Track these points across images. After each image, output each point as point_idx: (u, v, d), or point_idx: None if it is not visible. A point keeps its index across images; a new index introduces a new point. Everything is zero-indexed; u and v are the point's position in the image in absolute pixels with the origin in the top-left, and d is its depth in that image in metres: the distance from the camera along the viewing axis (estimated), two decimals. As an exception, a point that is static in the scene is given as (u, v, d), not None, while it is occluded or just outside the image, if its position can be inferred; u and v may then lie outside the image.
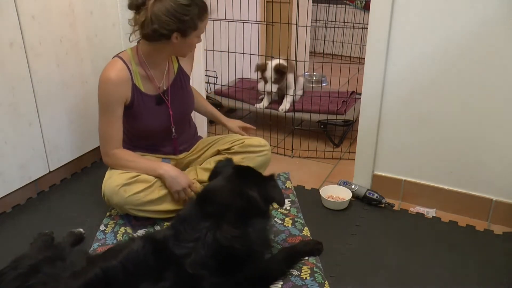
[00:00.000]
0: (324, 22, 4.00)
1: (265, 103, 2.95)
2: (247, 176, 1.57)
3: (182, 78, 2.04)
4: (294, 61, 2.89)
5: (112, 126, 1.88)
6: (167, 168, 1.90)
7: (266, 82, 2.87)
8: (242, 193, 1.46)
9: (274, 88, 2.87)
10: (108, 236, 1.86)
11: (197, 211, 1.44)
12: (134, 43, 1.93)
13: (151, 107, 1.94)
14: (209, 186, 1.56)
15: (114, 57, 1.90)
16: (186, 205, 1.57)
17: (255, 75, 3.43)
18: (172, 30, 1.74)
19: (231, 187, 1.50)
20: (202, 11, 1.78)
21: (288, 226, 1.92)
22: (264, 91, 2.94)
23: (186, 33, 1.77)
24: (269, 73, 2.81)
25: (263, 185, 1.54)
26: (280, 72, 2.82)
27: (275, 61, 2.81)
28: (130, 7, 1.77)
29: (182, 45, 1.82)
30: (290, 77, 2.90)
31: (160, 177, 1.90)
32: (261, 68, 2.88)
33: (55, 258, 1.35)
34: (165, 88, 1.98)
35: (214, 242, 1.35)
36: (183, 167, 2.18)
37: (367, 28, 1.99)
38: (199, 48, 2.57)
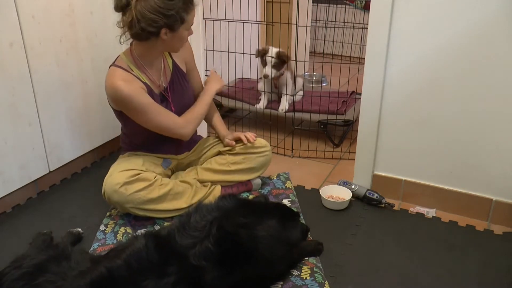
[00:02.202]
0: (324, 22, 4.00)
1: (264, 102, 2.94)
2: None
3: (178, 74, 2.04)
4: (293, 61, 2.89)
5: (160, 109, 1.88)
6: (210, 88, 2.11)
7: (265, 65, 2.84)
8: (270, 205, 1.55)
9: (273, 73, 2.83)
10: (108, 236, 1.86)
11: (214, 204, 1.49)
12: (125, 47, 1.92)
13: (157, 103, 1.94)
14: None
15: (110, 66, 1.87)
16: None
17: (255, 75, 3.43)
18: (160, 26, 1.73)
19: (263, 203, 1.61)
20: (187, 3, 1.76)
21: (288, 226, 1.92)
22: (263, 91, 2.95)
23: (174, 27, 1.76)
24: (269, 55, 2.79)
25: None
26: (281, 59, 2.81)
27: (276, 49, 2.81)
28: (116, 9, 1.77)
29: (173, 40, 1.81)
30: (288, 74, 2.90)
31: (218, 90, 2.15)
32: (262, 53, 2.86)
33: (60, 257, 1.35)
34: (164, 86, 1.98)
35: (219, 229, 1.36)
36: (184, 167, 2.18)
37: (367, 28, 1.99)
38: (199, 48, 2.57)
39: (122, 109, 1.87)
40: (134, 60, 1.88)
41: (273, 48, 2.81)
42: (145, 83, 1.88)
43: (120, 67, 1.84)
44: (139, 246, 1.33)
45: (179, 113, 2.00)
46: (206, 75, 2.87)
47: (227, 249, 1.36)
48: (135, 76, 1.85)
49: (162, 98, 1.96)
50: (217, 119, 2.24)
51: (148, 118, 1.86)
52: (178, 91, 2.02)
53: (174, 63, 2.03)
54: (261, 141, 2.16)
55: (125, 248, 1.35)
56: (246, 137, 2.12)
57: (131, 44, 1.89)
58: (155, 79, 1.93)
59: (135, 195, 1.84)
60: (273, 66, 2.80)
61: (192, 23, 1.84)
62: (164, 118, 1.89)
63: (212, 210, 1.47)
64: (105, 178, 1.90)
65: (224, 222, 1.39)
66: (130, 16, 1.72)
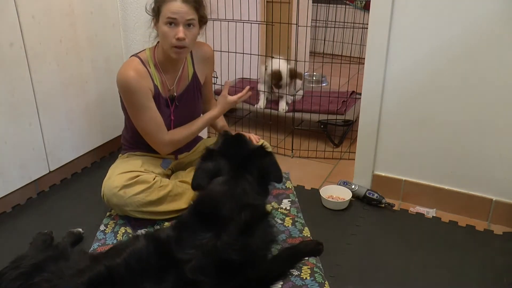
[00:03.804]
0: (324, 22, 4.00)
1: (264, 102, 2.95)
2: (241, 159, 1.57)
3: (195, 85, 2.03)
4: (293, 61, 2.90)
5: (155, 117, 1.87)
6: (217, 112, 2.02)
7: (280, 87, 2.89)
8: (242, 203, 1.44)
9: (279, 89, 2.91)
10: (108, 236, 1.86)
11: (197, 220, 1.42)
12: (132, 45, 1.93)
13: (161, 107, 1.94)
14: (207, 193, 1.50)
15: (131, 56, 1.90)
16: (187, 209, 1.56)
17: (255, 75, 3.43)
18: (153, 12, 1.80)
19: (230, 193, 1.47)
20: None
21: (288, 226, 1.92)
22: (262, 91, 2.95)
23: (156, 17, 1.79)
24: (284, 80, 2.86)
25: (259, 163, 1.57)
26: (293, 75, 2.90)
27: (282, 65, 2.84)
28: None
29: (159, 34, 1.82)
30: (298, 81, 2.94)
31: (220, 115, 2.06)
32: (278, 78, 2.88)
33: (58, 257, 1.35)
34: (174, 94, 1.97)
35: (213, 253, 1.35)
36: (184, 166, 2.17)
37: (367, 28, 1.99)
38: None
39: (123, 98, 1.88)
40: (154, 58, 1.89)
41: (280, 63, 2.85)
42: (155, 85, 1.88)
43: (140, 59, 1.86)
44: (140, 247, 1.33)
45: (178, 123, 2.00)
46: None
47: (225, 266, 1.36)
48: (149, 73, 1.86)
49: (167, 104, 1.96)
50: (220, 120, 2.23)
51: (140, 118, 1.87)
52: (188, 102, 2.02)
53: (195, 74, 2.03)
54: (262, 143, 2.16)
55: (125, 247, 1.35)
56: (250, 138, 2.11)
57: (158, 41, 1.90)
58: (167, 84, 1.93)
59: (134, 198, 1.84)
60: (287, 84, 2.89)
61: (168, 17, 1.74)
62: (153, 127, 1.88)
63: (201, 229, 1.40)
64: (104, 180, 1.90)
65: (219, 246, 1.35)
66: None
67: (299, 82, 3.10)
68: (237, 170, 1.54)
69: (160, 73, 1.90)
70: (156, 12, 1.79)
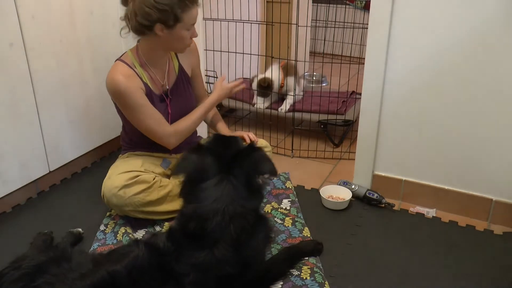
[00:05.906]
0: (324, 22, 3.99)
1: (265, 103, 2.95)
2: (230, 158, 1.49)
3: (183, 77, 2.04)
4: (294, 61, 2.90)
5: (153, 113, 1.87)
6: (215, 97, 2.03)
7: (266, 96, 2.94)
8: (230, 214, 1.40)
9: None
10: (108, 236, 1.86)
11: (188, 239, 1.39)
12: (133, 44, 1.92)
13: (156, 103, 1.94)
14: (193, 212, 1.43)
15: (116, 60, 1.89)
16: (176, 222, 1.52)
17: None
18: (154, 21, 1.74)
19: (217, 208, 1.40)
20: (184, 1, 1.74)
21: (288, 226, 1.92)
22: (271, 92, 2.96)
23: (168, 23, 1.75)
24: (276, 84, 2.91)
25: (249, 161, 1.49)
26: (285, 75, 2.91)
27: (267, 74, 2.87)
28: (121, 2, 1.82)
29: (171, 38, 1.80)
30: (290, 79, 2.91)
31: (218, 101, 2.07)
32: (266, 84, 2.91)
33: (60, 258, 1.35)
34: (167, 88, 1.98)
35: (210, 270, 1.35)
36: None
37: (367, 28, 1.99)
38: (199, 48, 2.56)
39: (117, 103, 1.88)
40: (139, 58, 1.89)
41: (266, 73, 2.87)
42: (145, 83, 1.88)
43: (125, 62, 1.86)
44: (140, 255, 1.33)
45: (175, 117, 2.00)
46: (207, 75, 2.88)
47: (223, 278, 1.36)
48: (137, 74, 1.86)
49: (162, 99, 1.96)
50: (219, 121, 2.23)
51: (138, 118, 1.86)
52: (180, 95, 2.02)
53: (180, 67, 2.03)
54: (262, 142, 2.16)
55: (126, 253, 1.34)
56: (249, 136, 2.12)
57: (138, 41, 1.90)
58: (157, 80, 1.93)
59: (134, 198, 1.83)
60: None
61: (192, 23, 1.82)
62: (154, 123, 1.88)
63: (195, 247, 1.38)
64: (104, 180, 1.90)
65: (215, 264, 1.36)
66: (130, 9, 1.76)
67: (301, 83, 3.08)
68: (224, 174, 1.46)
69: (148, 70, 1.90)
70: (173, 18, 1.75)
